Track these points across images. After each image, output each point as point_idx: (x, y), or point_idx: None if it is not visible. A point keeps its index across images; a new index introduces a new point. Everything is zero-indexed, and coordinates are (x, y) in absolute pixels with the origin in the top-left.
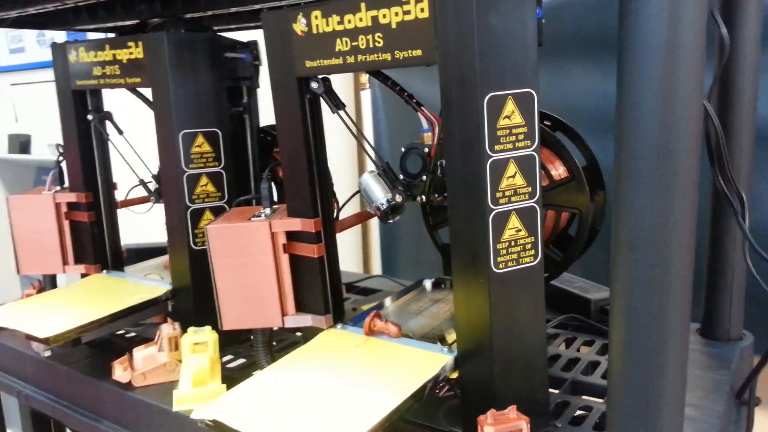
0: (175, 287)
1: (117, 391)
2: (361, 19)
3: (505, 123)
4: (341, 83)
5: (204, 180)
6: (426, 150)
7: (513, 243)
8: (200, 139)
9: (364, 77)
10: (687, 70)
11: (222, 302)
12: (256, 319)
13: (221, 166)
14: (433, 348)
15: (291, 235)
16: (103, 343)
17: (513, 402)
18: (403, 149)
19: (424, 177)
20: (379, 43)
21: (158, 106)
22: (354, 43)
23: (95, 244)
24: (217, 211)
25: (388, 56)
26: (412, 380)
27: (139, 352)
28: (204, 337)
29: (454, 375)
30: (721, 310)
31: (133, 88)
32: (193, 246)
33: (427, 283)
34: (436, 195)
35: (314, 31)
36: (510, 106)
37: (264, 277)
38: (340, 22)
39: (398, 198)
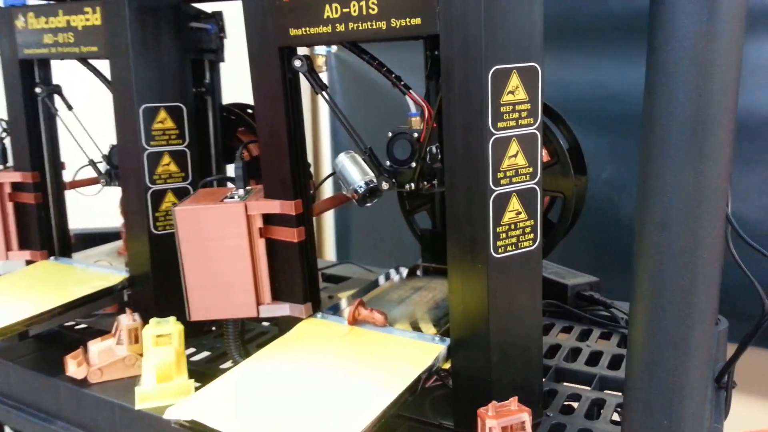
0: (132, 275)
1: (71, 389)
2: None
3: (508, 99)
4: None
5: (166, 159)
6: (415, 135)
7: (513, 226)
8: (162, 115)
9: (321, 59)
10: (725, 40)
11: (190, 291)
12: (228, 309)
13: (185, 144)
14: (423, 337)
15: (267, 218)
16: (51, 336)
17: (509, 392)
18: (390, 134)
19: (413, 164)
20: (373, 9)
21: (117, 77)
22: (345, 10)
23: (42, 229)
24: (181, 193)
25: (383, 24)
26: (406, 372)
27: (95, 346)
28: (168, 328)
29: (446, 365)
30: None
31: (86, 59)
32: (153, 230)
33: (404, 271)
34: (425, 182)
35: None
36: (514, 81)
37: (238, 264)
38: None
39: (384, 185)
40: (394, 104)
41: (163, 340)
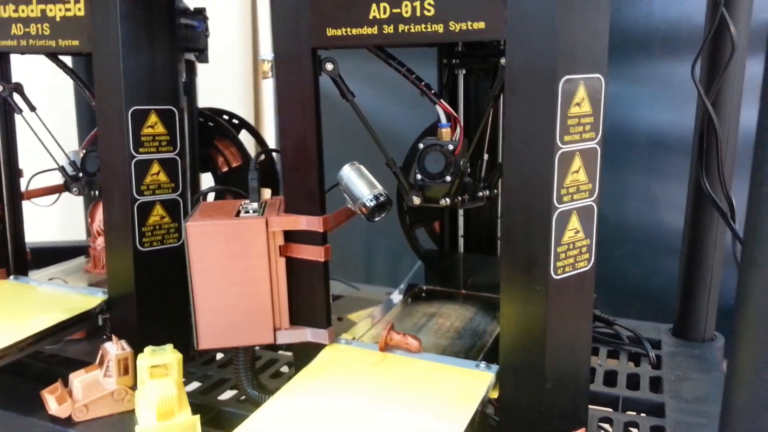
0: (111, 296)
1: (53, 429)
2: None
3: (575, 111)
4: (238, 69)
5: (155, 167)
6: (450, 147)
7: (571, 246)
8: (153, 118)
9: (267, 65)
10: None
11: (200, 316)
12: (241, 336)
13: (176, 152)
14: (465, 364)
15: (287, 235)
16: (15, 367)
17: (559, 421)
18: (421, 146)
19: (448, 178)
20: (429, 11)
21: (102, 76)
22: (395, 10)
23: (1, 244)
24: (170, 206)
25: (439, 27)
26: (462, 404)
27: (79, 379)
28: (165, 357)
29: (494, 394)
30: (698, 311)
31: (59, 54)
32: (139, 247)
33: (406, 295)
34: (461, 198)
35: None
36: (581, 92)
37: (255, 285)
38: None
39: (416, 200)
40: (344, 113)
41: (159, 371)
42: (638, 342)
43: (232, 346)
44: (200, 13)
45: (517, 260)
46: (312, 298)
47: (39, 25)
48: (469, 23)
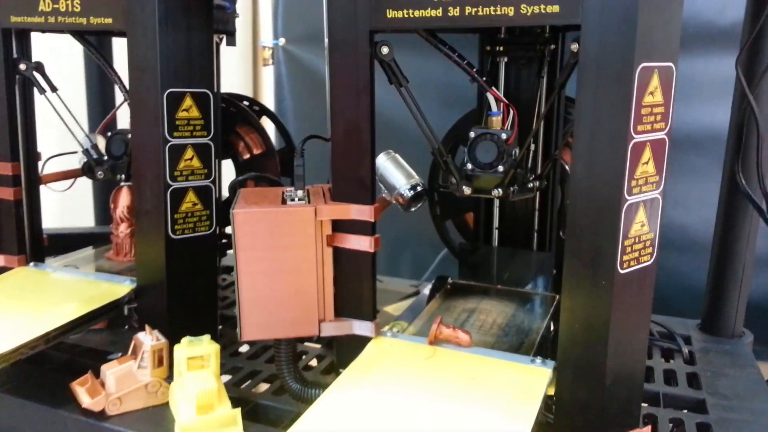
0: (140, 285)
1: (85, 423)
2: None
3: (648, 100)
4: (238, 55)
5: (189, 152)
6: (504, 137)
7: (637, 239)
8: (188, 101)
9: (267, 52)
10: None
11: (244, 306)
12: (286, 328)
13: (209, 137)
14: (519, 359)
15: (334, 225)
16: (36, 358)
17: (615, 419)
18: (472, 134)
19: (500, 168)
20: None
21: (137, 56)
22: None
23: (19, 229)
24: (202, 193)
25: (509, 11)
26: (525, 401)
27: (112, 371)
28: (203, 348)
29: (551, 391)
30: (728, 307)
31: (88, 33)
32: (171, 234)
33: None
34: (512, 189)
35: None
36: (655, 81)
37: (302, 275)
38: None
39: (466, 190)
40: None
41: (196, 362)
42: (670, 337)
43: (276, 337)
44: None
45: (582, 253)
46: (358, 290)
47: (69, 2)
48: (543, 6)
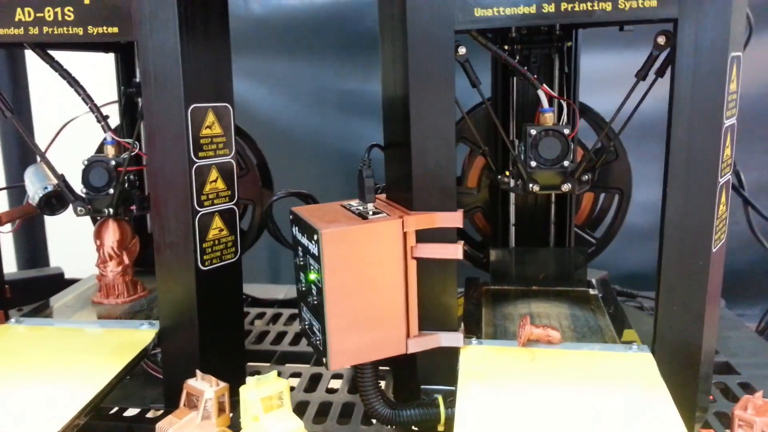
0: (165, 326)
1: None
2: None
3: (732, 89)
4: None
5: (214, 174)
6: (566, 131)
7: (722, 223)
8: (211, 117)
9: None
10: None
11: (332, 332)
12: (374, 350)
13: (231, 155)
14: (617, 348)
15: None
16: None
17: (704, 395)
18: (533, 131)
19: (566, 163)
20: None
21: (155, 68)
22: None
23: None
24: (227, 217)
25: (607, 6)
26: (653, 388)
27: (174, 428)
28: (276, 386)
29: None
30: None
31: (78, 46)
32: (200, 266)
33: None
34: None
35: None
36: (735, 70)
37: (390, 292)
38: None
39: (535, 188)
40: None
41: (270, 403)
42: None
43: (365, 361)
44: None
45: (675, 237)
46: (443, 300)
47: (58, 9)
48: (641, 1)
